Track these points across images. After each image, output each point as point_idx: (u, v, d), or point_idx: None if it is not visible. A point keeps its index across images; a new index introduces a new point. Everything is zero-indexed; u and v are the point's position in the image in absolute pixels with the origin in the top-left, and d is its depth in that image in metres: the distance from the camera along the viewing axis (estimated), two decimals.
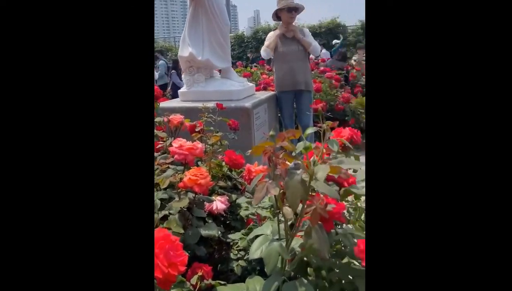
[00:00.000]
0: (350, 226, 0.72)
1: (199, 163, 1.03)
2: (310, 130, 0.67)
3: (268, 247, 0.59)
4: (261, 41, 2.87)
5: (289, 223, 0.60)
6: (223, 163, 0.99)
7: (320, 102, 1.12)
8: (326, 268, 0.61)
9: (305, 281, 0.56)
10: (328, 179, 0.57)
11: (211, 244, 0.82)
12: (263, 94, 2.61)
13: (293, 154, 0.56)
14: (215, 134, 1.09)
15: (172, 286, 0.56)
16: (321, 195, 0.56)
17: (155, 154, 0.97)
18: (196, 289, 0.63)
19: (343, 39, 8.42)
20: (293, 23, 2.75)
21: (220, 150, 1.08)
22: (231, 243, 0.80)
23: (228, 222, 0.88)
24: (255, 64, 6.33)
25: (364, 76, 5.49)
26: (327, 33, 10.18)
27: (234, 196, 0.88)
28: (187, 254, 0.55)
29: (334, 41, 7.97)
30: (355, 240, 0.62)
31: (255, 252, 0.61)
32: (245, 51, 10.88)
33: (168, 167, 0.89)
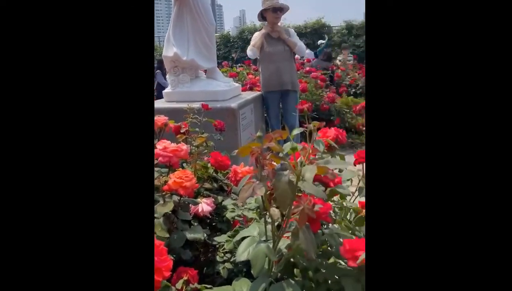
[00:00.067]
0: (336, 225, 0.73)
1: (184, 164, 1.02)
2: (297, 131, 0.67)
3: (255, 249, 0.59)
4: (247, 41, 2.86)
5: (276, 224, 0.59)
6: (209, 165, 0.98)
7: (306, 103, 1.12)
8: (313, 269, 0.61)
9: (292, 282, 0.56)
10: (314, 179, 0.57)
11: (196, 247, 0.81)
12: (249, 95, 2.60)
13: (280, 154, 0.56)
14: (200, 136, 1.08)
15: None
16: (308, 196, 0.56)
17: None
18: None
19: (328, 40, 8.50)
20: (279, 23, 2.76)
21: (206, 151, 1.07)
22: (217, 246, 0.79)
23: (214, 224, 0.87)
24: (239, 64, 6.32)
25: (348, 76, 5.56)
26: (313, 33, 10.26)
27: (220, 198, 0.88)
28: (172, 258, 0.54)
29: (319, 42, 8.05)
30: (341, 240, 0.62)
31: (242, 254, 0.60)
32: (231, 51, 10.84)
33: None
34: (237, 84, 2.61)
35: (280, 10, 2.65)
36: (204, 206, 0.79)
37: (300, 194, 0.58)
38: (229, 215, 0.78)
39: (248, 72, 4.47)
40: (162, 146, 0.85)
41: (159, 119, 1.12)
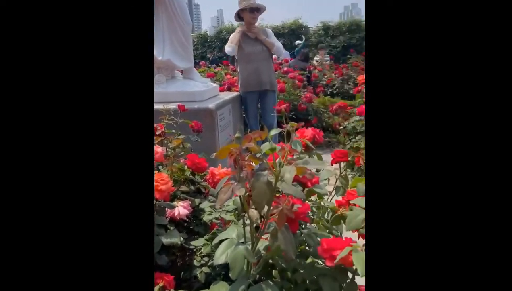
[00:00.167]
0: (313, 225, 0.73)
1: (160, 167, 0.99)
2: (275, 131, 0.67)
3: (233, 251, 0.58)
4: (225, 41, 2.83)
5: (254, 225, 0.59)
6: (186, 167, 0.96)
7: (283, 103, 1.13)
8: (291, 269, 0.61)
9: (271, 283, 0.55)
10: (292, 179, 0.57)
11: (173, 251, 0.79)
12: (227, 95, 2.59)
13: (259, 155, 0.55)
14: (176, 137, 1.06)
15: None
16: (287, 196, 0.56)
17: None
18: None
19: (305, 40, 8.62)
20: (257, 24, 2.76)
21: (183, 153, 1.05)
22: (194, 250, 0.78)
23: (191, 227, 0.86)
24: (214, 64, 6.27)
25: (325, 76, 5.66)
26: (290, 33, 10.35)
27: (197, 200, 0.86)
28: None
29: (297, 42, 8.14)
30: (319, 240, 0.62)
31: (220, 257, 0.59)
32: (208, 51, 10.74)
33: None
34: (214, 85, 2.58)
35: (257, 10, 2.65)
36: (181, 209, 0.77)
37: (278, 195, 0.58)
38: (206, 218, 0.77)
39: (226, 73, 4.44)
40: None
41: None
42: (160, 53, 2.14)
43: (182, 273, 0.77)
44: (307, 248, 0.66)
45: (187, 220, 0.84)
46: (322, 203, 0.79)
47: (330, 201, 0.82)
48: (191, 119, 1.28)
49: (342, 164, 0.91)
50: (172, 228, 0.77)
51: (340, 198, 0.75)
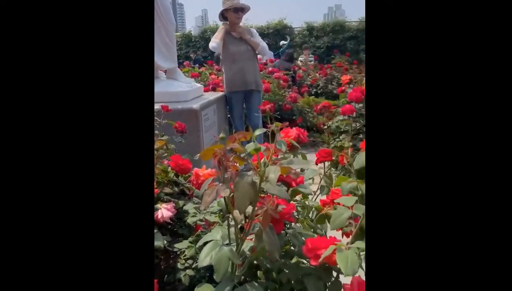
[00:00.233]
0: (298, 224, 0.73)
1: None
2: (259, 131, 0.67)
3: (218, 253, 0.57)
4: (210, 41, 2.81)
5: (239, 226, 0.58)
6: (169, 168, 0.94)
7: (268, 103, 1.13)
8: (276, 270, 0.61)
9: (256, 284, 0.55)
10: (277, 179, 0.57)
11: (156, 254, 0.78)
12: (212, 95, 2.57)
13: (243, 155, 0.55)
14: (160, 139, 1.04)
15: None
16: (271, 196, 0.56)
17: None
18: None
19: (290, 40, 8.66)
20: (241, 24, 2.75)
21: (166, 154, 1.03)
22: (178, 252, 0.77)
23: (175, 229, 0.84)
24: (197, 64, 6.22)
25: (310, 77, 5.71)
26: (275, 34, 10.40)
27: (181, 202, 0.85)
28: None
29: (282, 42, 8.17)
30: (304, 239, 0.63)
31: (205, 259, 0.58)
32: (191, 50, 10.64)
33: None
34: (199, 85, 2.56)
35: (241, 10, 2.64)
36: (164, 211, 0.76)
37: (263, 195, 0.58)
38: (190, 220, 0.76)
39: (210, 73, 4.41)
40: None
41: None
42: None
43: (166, 276, 0.76)
44: (292, 248, 0.66)
45: (171, 222, 0.83)
46: (307, 203, 0.80)
47: (315, 200, 0.83)
48: (175, 120, 1.27)
49: (327, 163, 0.91)
50: (155, 230, 0.76)
51: (324, 197, 0.76)
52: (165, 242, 0.74)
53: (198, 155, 0.58)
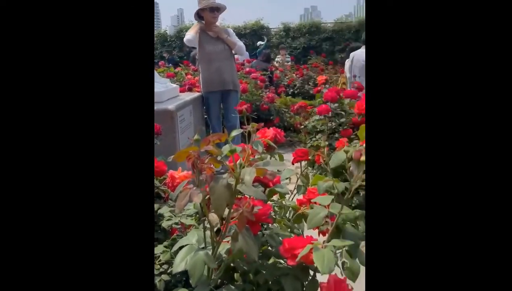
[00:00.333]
0: (276, 225, 0.73)
1: None
2: (235, 132, 0.66)
3: (193, 258, 0.56)
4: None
5: (215, 229, 0.57)
6: None
7: (245, 103, 1.12)
8: (253, 271, 0.60)
9: (232, 287, 0.54)
10: (253, 180, 0.56)
11: None
12: (188, 96, 2.53)
13: (219, 158, 0.54)
14: None
15: None
16: (248, 198, 0.55)
17: None
18: None
19: (267, 41, 8.70)
20: (218, 24, 2.73)
21: None
22: None
23: None
24: (171, 64, 6.13)
25: (286, 77, 5.76)
26: (252, 34, 10.41)
27: (156, 206, 0.82)
28: None
29: (259, 43, 8.20)
30: (281, 239, 0.62)
31: (180, 264, 0.57)
32: (165, 50, 10.45)
33: None
34: (174, 85, 2.51)
35: (217, 9, 2.62)
36: None
37: (240, 196, 0.57)
38: (165, 223, 0.74)
39: (186, 73, 4.35)
40: None
41: None
42: None
43: None
44: (269, 248, 0.66)
45: None
46: (284, 202, 0.80)
47: (292, 200, 0.83)
48: None
49: (303, 163, 0.92)
50: None
51: (301, 197, 0.76)
52: None
53: (172, 157, 0.57)
